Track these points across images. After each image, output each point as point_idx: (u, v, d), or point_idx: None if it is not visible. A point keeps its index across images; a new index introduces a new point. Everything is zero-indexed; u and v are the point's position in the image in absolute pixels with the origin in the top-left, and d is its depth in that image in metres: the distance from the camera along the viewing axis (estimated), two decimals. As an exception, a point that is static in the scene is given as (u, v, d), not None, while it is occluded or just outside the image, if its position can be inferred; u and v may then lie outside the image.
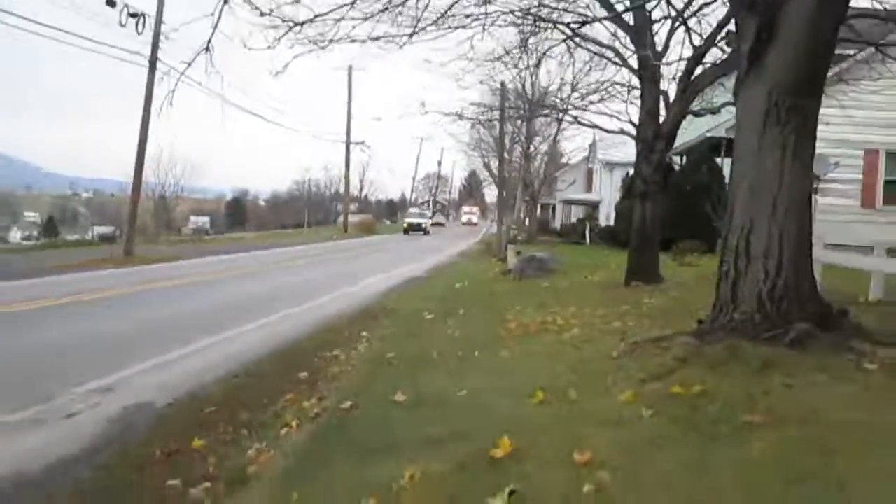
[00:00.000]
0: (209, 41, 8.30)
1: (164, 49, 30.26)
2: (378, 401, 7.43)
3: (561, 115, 26.14)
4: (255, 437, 7.19)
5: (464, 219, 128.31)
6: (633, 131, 16.63)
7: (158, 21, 29.79)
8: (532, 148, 53.54)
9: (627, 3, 14.65)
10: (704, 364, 6.41)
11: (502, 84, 32.13)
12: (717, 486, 4.09)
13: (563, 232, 57.11)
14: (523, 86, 32.78)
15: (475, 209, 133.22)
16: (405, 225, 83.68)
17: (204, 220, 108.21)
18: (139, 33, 27.41)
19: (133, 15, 26.98)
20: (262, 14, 9.13)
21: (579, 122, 22.98)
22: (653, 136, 15.05)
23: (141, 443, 7.11)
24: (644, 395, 5.97)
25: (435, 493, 4.61)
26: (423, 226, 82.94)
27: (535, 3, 14.47)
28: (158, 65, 29.92)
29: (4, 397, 8.28)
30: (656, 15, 15.34)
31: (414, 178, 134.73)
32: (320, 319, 15.18)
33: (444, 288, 20.22)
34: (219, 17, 7.82)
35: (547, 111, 28.49)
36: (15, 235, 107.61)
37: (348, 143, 70.39)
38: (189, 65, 8.56)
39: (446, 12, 11.15)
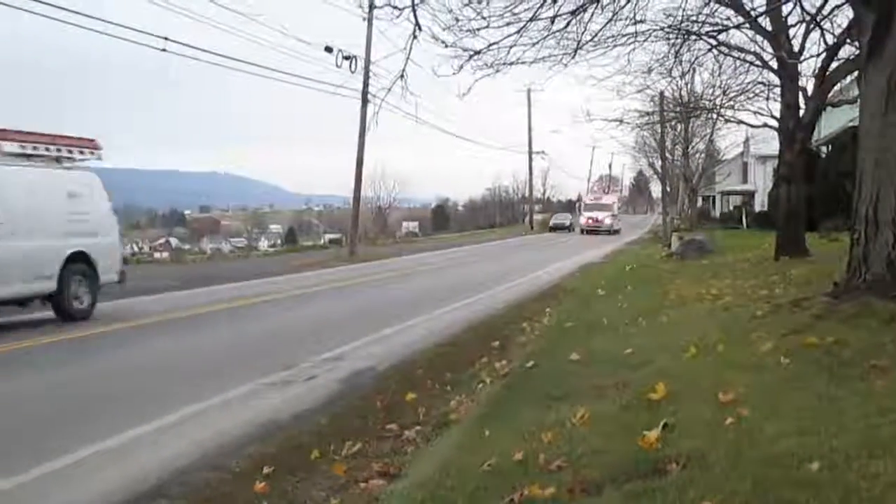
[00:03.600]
0: (403, 69, 8.68)
1: (373, 84, 31.26)
2: (557, 360, 7.60)
3: (713, 116, 25.51)
4: (456, 392, 7.49)
5: (584, 219, 63.31)
6: (776, 125, 16.13)
7: (367, 61, 30.79)
8: (690, 147, 52.12)
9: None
10: (839, 319, 6.25)
11: (661, 93, 31.47)
12: (842, 413, 4.06)
13: (722, 219, 55.33)
14: (680, 92, 31.99)
15: (611, 201, 69.56)
16: None
17: (413, 225, 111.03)
18: (352, 72, 28.73)
19: (346, 58, 28.31)
20: (446, 46, 9.49)
21: (727, 120, 22.45)
22: (793, 127, 14.52)
23: (365, 397, 7.54)
24: (783, 345, 5.88)
25: (601, 428, 4.75)
26: None
27: (681, 19, 14.19)
28: (369, 97, 31.01)
29: (265, 364, 8.99)
30: (791, 20, 14.76)
31: (588, 180, 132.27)
32: (512, 299, 15.50)
33: (615, 270, 20.08)
34: (409, 50, 8.19)
35: (700, 113, 27.76)
36: (263, 244, 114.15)
37: (530, 154, 70.68)
38: (388, 90, 9.00)
39: (599, 32, 11.14)
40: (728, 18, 14.41)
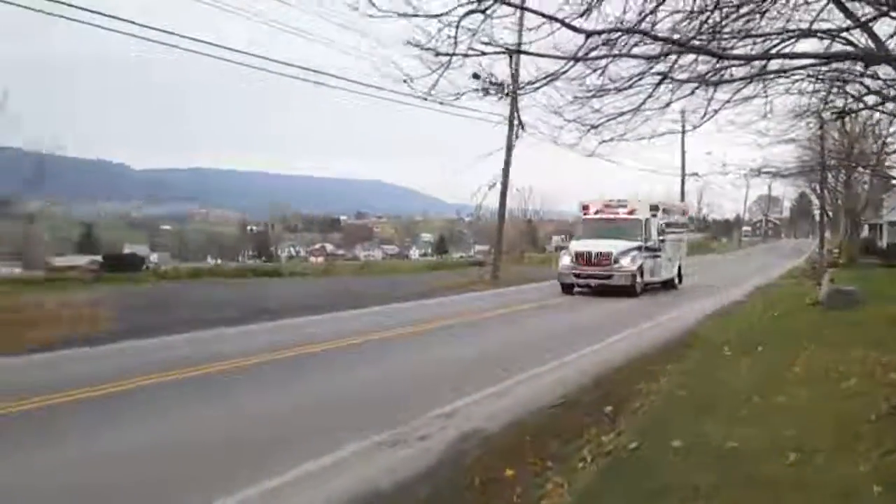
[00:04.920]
0: (506, 171, 8.79)
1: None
2: (659, 445, 7.47)
3: (870, 171, 24.18)
4: (556, 470, 7.47)
5: (567, 259, 27.63)
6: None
7: (514, 90, 31.23)
8: (854, 176, 49.44)
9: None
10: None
11: (822, 126, 30.15)
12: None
13: (888, 253, 52.16)
14: (842, 124, 30.43)
15: (642, 216, 27.89)
16: None
17: (562, 238, 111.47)
18: (498, 99, 29.22)
19: (493, 83, 28.74)
20: (567, 122, 9.61)
21: (887, 178, 21.25)
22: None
23: (466, 467, 7.69)
24: (882, 468, 5.68)
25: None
26: None
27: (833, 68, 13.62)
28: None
29: (378, 419, 9.25)
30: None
31: (745, 201, 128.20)
32: (639, 348, 15.27)
33: (753, 317, 19.29)
34: (510, 148, 8.34)
35: (857, 167, 26.32)
36: (414, 253, 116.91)
37: (683, 177, 69.33)
38: (491, 186, 9.12)
39: (730, 99, 10.84)
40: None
